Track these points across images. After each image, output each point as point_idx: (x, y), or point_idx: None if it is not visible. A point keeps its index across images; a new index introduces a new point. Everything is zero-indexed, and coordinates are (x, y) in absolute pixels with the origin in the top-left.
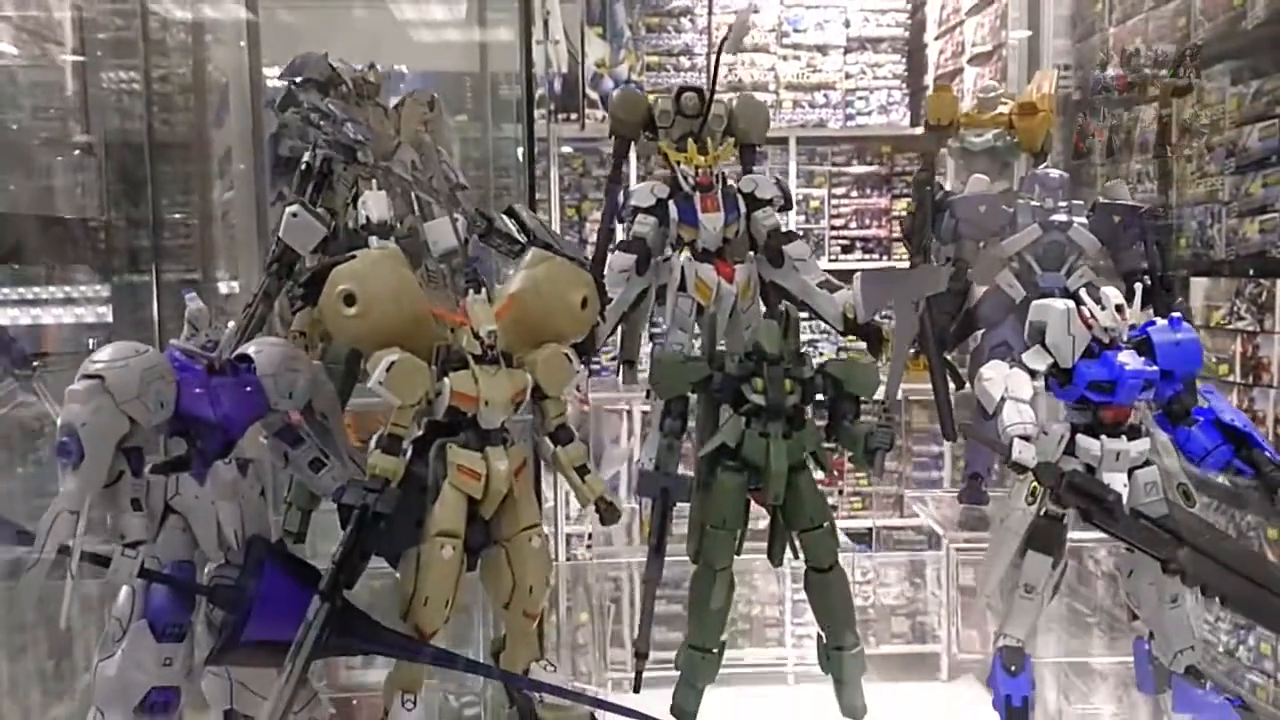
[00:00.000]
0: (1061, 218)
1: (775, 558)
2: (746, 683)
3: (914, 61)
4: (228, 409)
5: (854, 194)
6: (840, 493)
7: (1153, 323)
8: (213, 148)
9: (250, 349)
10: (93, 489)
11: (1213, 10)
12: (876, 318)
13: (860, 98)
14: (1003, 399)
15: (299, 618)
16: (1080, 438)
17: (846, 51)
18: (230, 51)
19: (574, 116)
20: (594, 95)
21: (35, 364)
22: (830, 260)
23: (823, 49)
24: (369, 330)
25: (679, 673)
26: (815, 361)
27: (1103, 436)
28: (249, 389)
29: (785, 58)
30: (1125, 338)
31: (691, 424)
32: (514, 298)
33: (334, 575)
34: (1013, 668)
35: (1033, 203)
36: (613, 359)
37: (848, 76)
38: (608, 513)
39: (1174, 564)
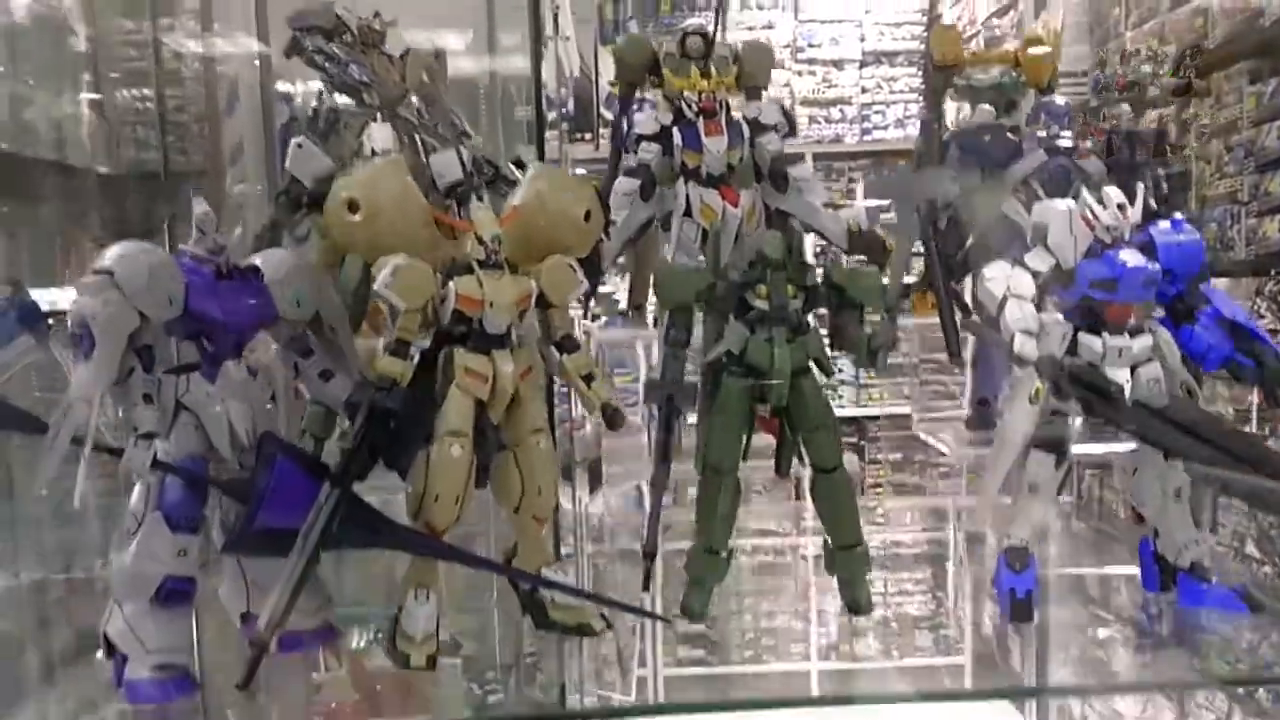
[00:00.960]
0: (1067, 143)
1: (783, 469)
2: (773, 692)
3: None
4: (236, 310)
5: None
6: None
7: (1155, 224)
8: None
9: (257, 259)
10: (104, 381)
11: (1231, 9)
12: (880, 230)
13: (877, 112)
14: (1005, 297)
15: (310, 507)
16: (1083, 335)
17: (862, 66)
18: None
19: (588, 137)
20: (608, 115)
21: (51, 322)
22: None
23: (838, 64)
24: (373, 237)
25: (688, 576)
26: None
27: (1105, 334)
28: (257, 293)
29: (800, 73)
30: (1127, 237)
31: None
32: (518, 209)
33: (344, 462)
34: (1017, 565)
35: (1039, 131)
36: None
37: (864, 91)
38: (614, 418)
39: (1176, 452)
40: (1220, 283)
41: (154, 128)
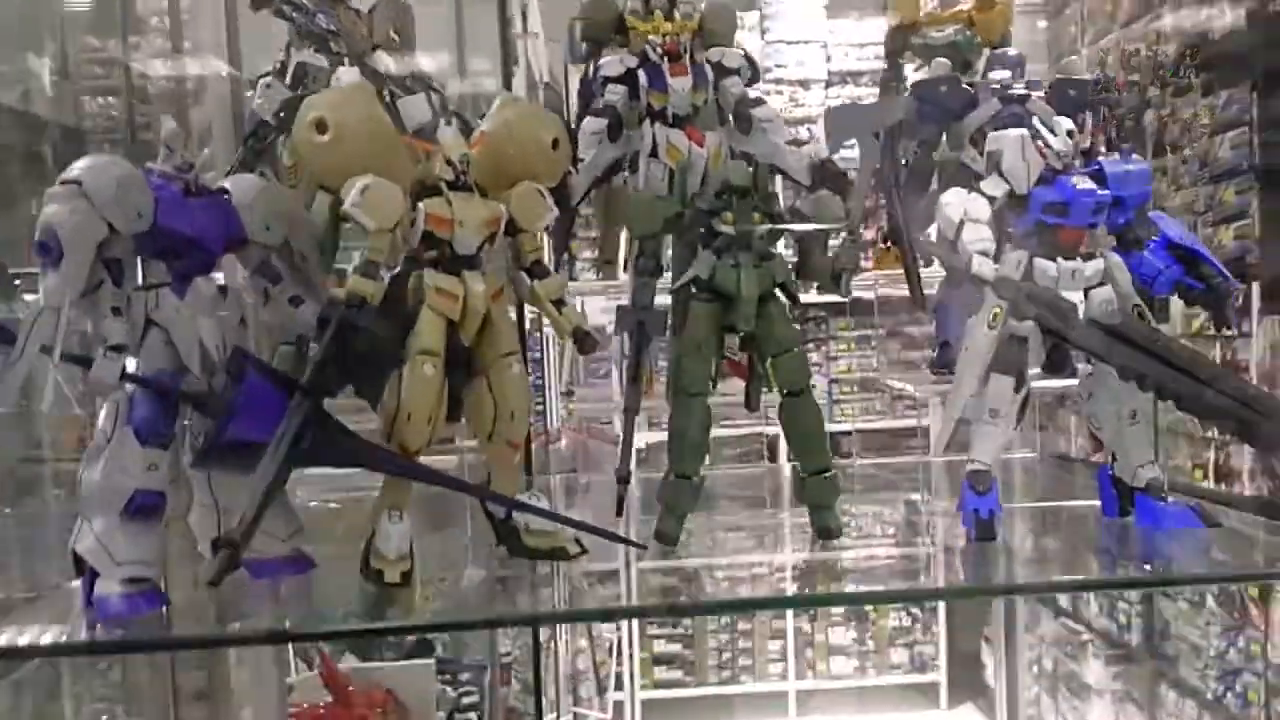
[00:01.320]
0: (1020, 91)
1: (752, 403)
2: (750, 713)
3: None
4: (205, 227)
5: None
6: None
7: (1103, 156)
8: None
9: (226, 183)
10: (73, 290)
11: (1181, 29)
12: (842, 164)
13: (859, 238)
14: (962, 220)
15: (280, 421)
16: (1038, 261)
17: (828, 85)
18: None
19: None
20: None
21: (17, 280)
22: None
23: (804, 83)
24: (342, 159)
25: (661, 502)
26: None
27: (1059, 259)
28: (226, 213)
29: (769, 92)
30: (1077, 164)
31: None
32: (486, 135)
33: (314, 373)
34: (980, 488)
35: (992, 82)
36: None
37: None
38: (585, 341)
39: (1130, 368)
40: None
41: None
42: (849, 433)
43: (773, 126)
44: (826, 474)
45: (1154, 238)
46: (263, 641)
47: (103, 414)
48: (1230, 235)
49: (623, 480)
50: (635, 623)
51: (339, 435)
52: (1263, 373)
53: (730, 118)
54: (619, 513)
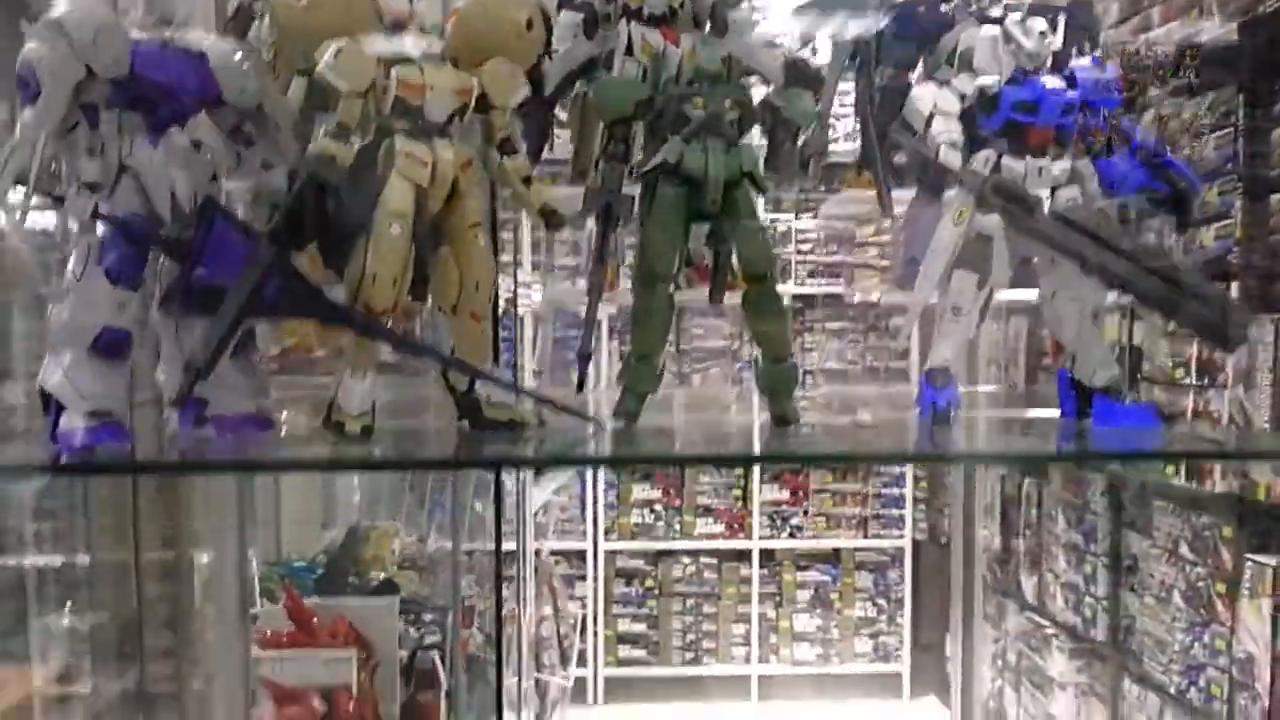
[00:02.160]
0: (997, 12)
1: (716, 294)
2: (712, 696)
3: None
4: (181, 78)
5: (820, 220)
6: (805, 514)
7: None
8: None
9: (204, 44)
10: (49, 124)
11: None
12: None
13: (828, 125)
14: (932, 114)
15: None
16: (1005, 159)
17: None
18: None
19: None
20: (562, 116)
21: None
22: (797, 284)
23: None
24: (320, 24)
25: (621, 383)
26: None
27: (1027, 157)
28: (202, 69)
29: (754, 84)
30: (1048, 64)
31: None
32: (459, 11)
33: (281, 221)
34: (939, 383)
35: (970, 4)
36: None
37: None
38: (552, 218)
39: (1090, 261)
40: None
41: None
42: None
43: (747, 27)
44: (785, 362)
45: (1124, 145)
46: (227, 469)
47: (73, 257)
48: (1211, 236)
49: (584, 358)
50: (601, 600)
51: (303, 287)
52: (1239, 371)
53: (707, 19)
54: (579, 389)
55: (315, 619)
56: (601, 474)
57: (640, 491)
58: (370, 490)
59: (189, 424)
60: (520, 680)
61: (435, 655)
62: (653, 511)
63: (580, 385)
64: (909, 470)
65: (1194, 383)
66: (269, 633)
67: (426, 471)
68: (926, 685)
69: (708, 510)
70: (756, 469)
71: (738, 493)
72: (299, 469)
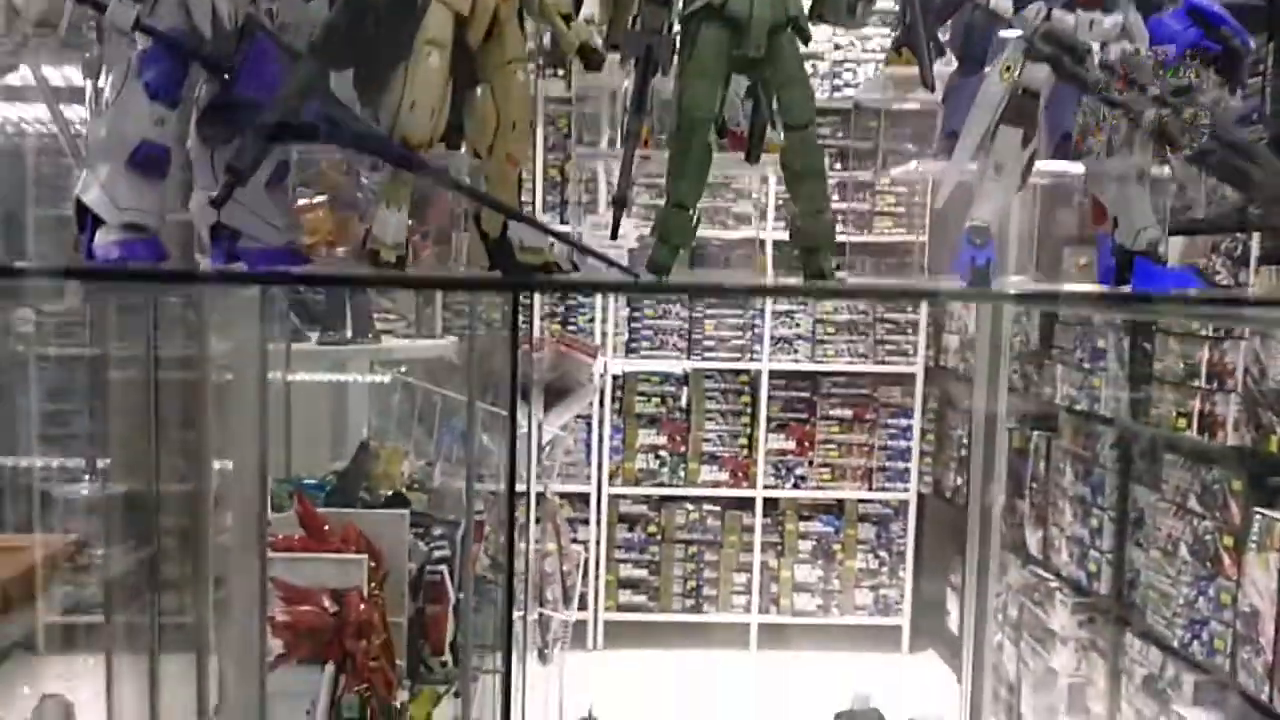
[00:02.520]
0: None
1: (753, 154)
2: (711, 644)
3: None
4: None
5: (838, 166)
6: (810, 464)
7: None
8: None
9: None
10: None
11: None
12: None
13: (848, 69)
14: None
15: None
16: (1056, 11)
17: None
18: None
19: (561, 73)
20: None
21: None
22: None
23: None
24: None
25: (655, 234)
26: None
27: (1078, 10)
28: None
29: None
30: None
31: None
32: None
33: (323, 34)
34: (978, 241)
35: None
36: None
37: (837, 48)
38: (592, 58)
39: (1139, 113)
40: (1178, 241)
41: None
42: (830, 373)
43: None
44: (824, 214)
45: (1175, 4)
46: (250, 280)
47: (111, 76)
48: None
49: (619, 202)
50: (604, 544)
51: (342, 111)
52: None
53: None
54: (613, 236)
55: (326, 526)
56: (608, 417)
57: (645, 437)
58: (380, 418)
59: (221, 257)
60: (525, 613)
61: (444, 569)
62: (657, 457)
63: (614, 232)
64: (916, 423)
65: (1211, 334)
66: (280, 536)
67: (435, 400)
68: (926, 639)
69: (713, 458)
70: (763, 418)
71: (743, 441)
72: (327, 283)
